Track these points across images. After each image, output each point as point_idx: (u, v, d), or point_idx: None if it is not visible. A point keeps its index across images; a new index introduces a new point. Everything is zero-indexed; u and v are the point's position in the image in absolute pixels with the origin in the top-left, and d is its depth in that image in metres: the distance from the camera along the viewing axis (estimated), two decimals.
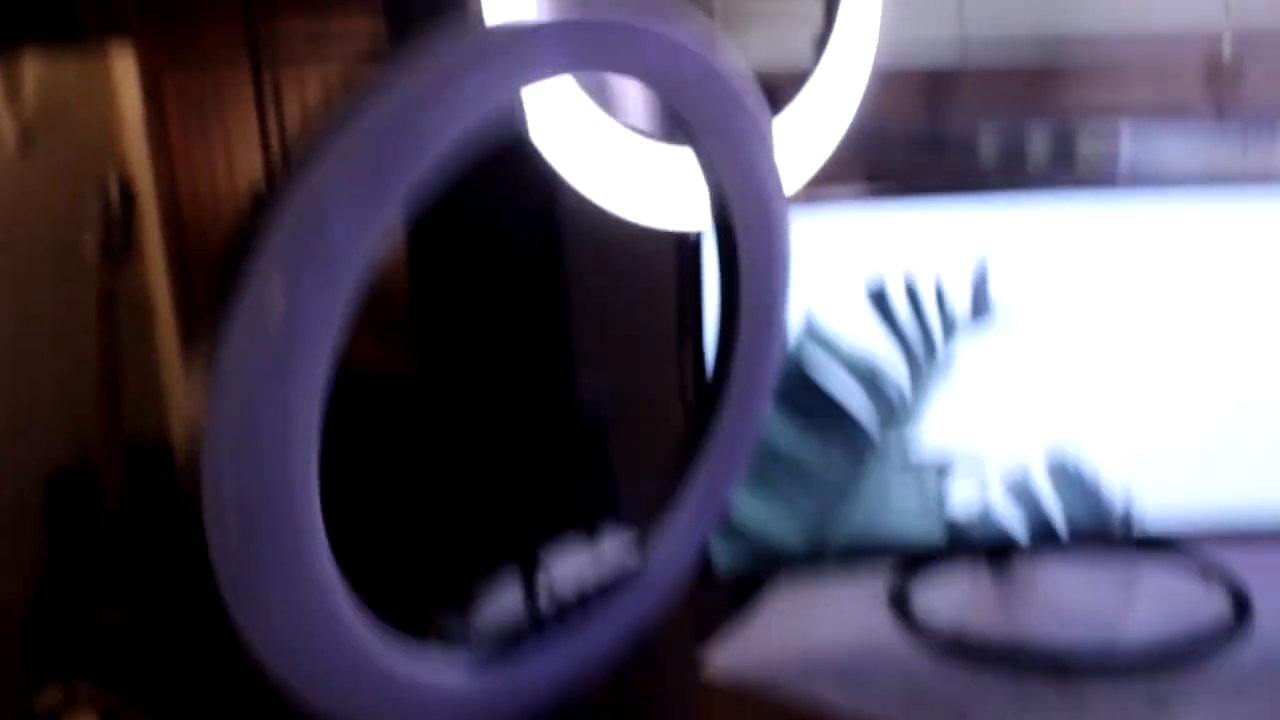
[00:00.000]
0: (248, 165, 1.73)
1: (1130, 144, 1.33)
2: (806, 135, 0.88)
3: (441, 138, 0.40)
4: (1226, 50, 1.20)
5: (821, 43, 0.94)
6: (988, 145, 1.43)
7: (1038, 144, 1.40)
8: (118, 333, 1.76)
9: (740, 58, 0.60)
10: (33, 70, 1.93)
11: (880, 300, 0.98)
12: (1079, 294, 0.98)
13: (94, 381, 1.73)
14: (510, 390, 1.60)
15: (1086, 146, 1.36)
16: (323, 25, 1.56)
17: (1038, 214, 0.98)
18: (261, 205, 0.37)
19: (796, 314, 0.95)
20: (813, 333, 0.97)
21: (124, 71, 2.00)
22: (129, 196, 1.78)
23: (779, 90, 0.76)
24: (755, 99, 0.61)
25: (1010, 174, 1.40)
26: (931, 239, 0.98)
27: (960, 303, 0.98)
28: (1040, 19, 1.40)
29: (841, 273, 0.97)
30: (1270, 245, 0.97)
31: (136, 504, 1.77)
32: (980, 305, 0.97)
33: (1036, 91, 1.39)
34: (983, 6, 1.40)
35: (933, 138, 1.44)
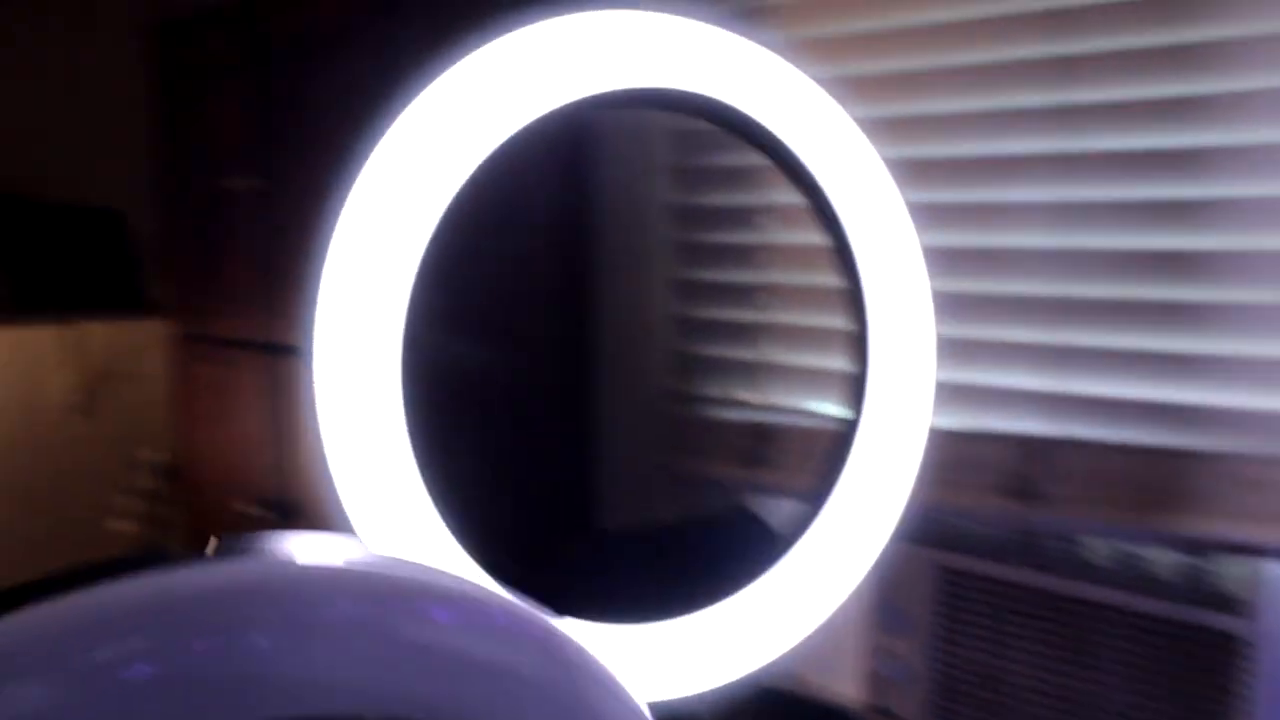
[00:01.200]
0: (258, 460, 1.59)
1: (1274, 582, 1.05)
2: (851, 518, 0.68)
3: None
4: None
5: (856, 392, 0.75)
6: (1097, 545, 1.15)
7: (1162, 559, 1.12)
8: None
9: None
10: (98, 336, 1.92)
11: None
12: None
13: None
14: None
15: (1225, 576, 1.08)
16: None
17: None
18: None
19: None
20: None
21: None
22: (167, 474, 1.76)
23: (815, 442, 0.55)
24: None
25: (1127, 586, 1.11)
26: None
27: None
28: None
29: None
30: None
31: None
32: None
33: (1158, 500, 1.12)
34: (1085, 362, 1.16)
35: (1024, 525, 1.17)
